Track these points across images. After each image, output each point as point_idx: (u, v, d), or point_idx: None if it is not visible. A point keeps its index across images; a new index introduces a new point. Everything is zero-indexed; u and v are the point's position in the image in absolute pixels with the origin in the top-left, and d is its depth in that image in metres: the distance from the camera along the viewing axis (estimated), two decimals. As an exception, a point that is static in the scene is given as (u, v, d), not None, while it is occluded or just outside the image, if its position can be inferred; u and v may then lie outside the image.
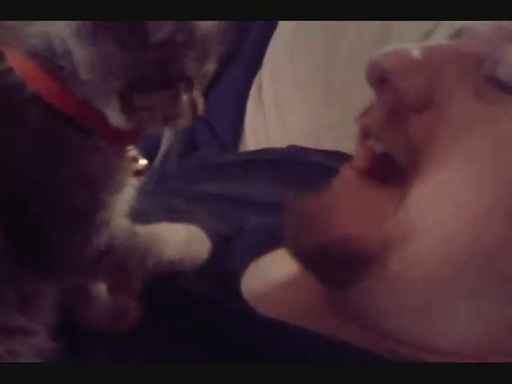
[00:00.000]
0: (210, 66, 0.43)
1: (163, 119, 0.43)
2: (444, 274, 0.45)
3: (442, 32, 0.87)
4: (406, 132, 0.47)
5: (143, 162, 0.47)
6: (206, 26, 0.41)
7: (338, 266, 0.48)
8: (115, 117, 0.42)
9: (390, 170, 0.49)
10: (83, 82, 0.41)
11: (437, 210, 0.45)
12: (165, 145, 0.46)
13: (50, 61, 0.41)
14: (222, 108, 1.15)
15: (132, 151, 0.46)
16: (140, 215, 0.62)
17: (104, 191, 0.43)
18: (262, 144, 1.05)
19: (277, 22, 1.15)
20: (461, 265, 0.45)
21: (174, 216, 0.65)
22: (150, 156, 0.49)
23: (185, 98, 0.42)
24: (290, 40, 1.12)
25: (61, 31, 0.40)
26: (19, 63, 0.41)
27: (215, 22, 0.42)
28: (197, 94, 0.43)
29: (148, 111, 0.42)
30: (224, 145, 1.12)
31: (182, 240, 0.49)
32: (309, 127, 1.06)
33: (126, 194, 0.46)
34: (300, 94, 1.09)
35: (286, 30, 1.14)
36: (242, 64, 1.17)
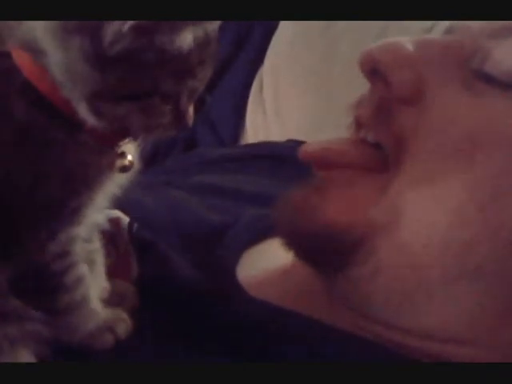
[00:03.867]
0: (196, 84, 0.43)
1: (142, 128, 0.43)
2: (424, 261, 0.46)
3: (438, 33, 0.88)
4: (395, 124, 0.48)
5: (130, 158, 0.46)
6: (183, 45, 0.41)
7: (325, 252, 0.49)
8: (88, 118, 0.42)
9: (380, 159, 0.50)
10: (60, 82, 0.42)
11: (417, 201, 0.46)
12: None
13: (36, 55, 0.42)
14: (223, 106, 1.16)
15: (122, 147, 0.46)
16: (139, 206, 0.63)
17: (84, 186, 0.44)
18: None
19: (278, 22, 1.16)
20: (438, 254, 0.46)
21: (173, 207, 0.66)
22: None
23: (167, 109, 0.43)
24: (289, 40, 1.13)
25: (42, 31, 0.41)
26: (15, 51, 0.42)
27: (187, 41, 0.41)
28: (184, 106, 0.43)
29: (121, 120, 0.42)
30: (224, 142, 1.13)
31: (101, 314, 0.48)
32: (307, 126, 1.07)
33: (108, 190, 0.46)
34: (299, 92, 1.10)
35: (286, 29, 1.15)
36: (244, 62, 1.18)
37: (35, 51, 0.42)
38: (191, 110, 0.44)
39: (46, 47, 0.41)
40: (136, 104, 0.42)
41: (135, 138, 0.46)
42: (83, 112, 0.42)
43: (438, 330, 0.48)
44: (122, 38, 0.39)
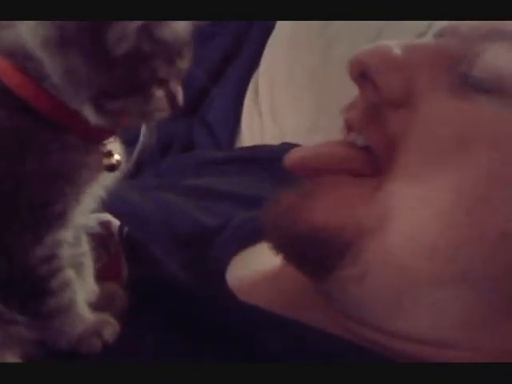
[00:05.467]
0: (183, 63, 0.44)
1: (140, 116, 0.44)
2: (412, 264, 0.46)
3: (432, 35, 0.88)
4: (385, 127, 0.49)
5: (117, 157, 0.46)
6: (171, 30, 0.42)
7: (314, 255, 0.49)
8: (91, 117, 0.43)
9: (369, 163, 0.50)
10: (57, 85, 0.42)
11: (405, 204, 0.46)
12: (141, 142, 0.46)
13: (25, 62, 0.42)
14: (219, 108, 1.16)
15: (108, 145, 0.46)
16: (133, 208, 0.63)
17: (70, 187, 0.44)
18: (258, 143, 1.06)
19: (274, 24, 1.16)
20: (426, 256, 0.46)
21: (166, 209, 0.66)
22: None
23: (160, 92, 0.43)
24: (285, 42, 1.14)
25: (32, 39, 0.41)
26: None
27: (181, 25, 0.42)
28: (174, 87, 0.44)
29: (122, 113, 0.43)
30: (220, 144, 1.13)
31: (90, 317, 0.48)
32: (302, 128, 1.07)
33: (94, 191, 0.46)
34: (294, 94, 1.10)
35: (282, 32, 1.15)
36: (241, 64, 1.18)
37: (25, 59, 0.42)
38: (180, 89, 0.45)
39: (38, 55, 0.41)
40: (138, 95, 0.42)
41: (136, 125, 0.46)
42: (88, 113, 0.42)
43: (425, 332, 0.48)
44: (128, 38, 0.40)
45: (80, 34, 0.40)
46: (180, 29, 0.42)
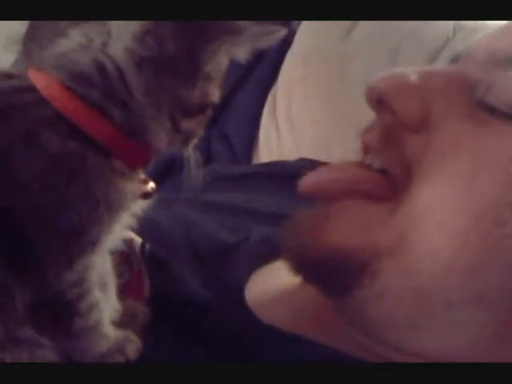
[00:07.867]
0: (220, 91, 0.46)
1: (189, 138, 0.46)
2: (428, 285, 0.47)
3: (446, 55, 0.89)
4: (401, 150, 0.49)
5: (152, 184, 0.47)
6: (223, 61, 0.44)
7: (332, 275, 0.49)
8: (163, 136, 0.44)
9: (385, 185, 0.50)
10: (136, 99, 0.42)
11: (421, 226, 0.47)
12: (191, 161, 0.47)
13: (90, 84, 0.42)
14: (237, 122, 1.17)
15: (142, 173, 0.47)
16: (151, 223, 0.64)
17: (107, 215, 0.44)
18: (275, 158, 1.07)
19: (292, 38, 1.16)
20: (441, 279, 0.46)
21: (185, 224, 0.67)
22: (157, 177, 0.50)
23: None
24: (302, 57, 1.14)
25: (116, 54, 0.42)
26: (43, 82, 0.42)
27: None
28: (209, 111, 0.46)
29: (190, 133, 0.45)
30: (238, 157, 1.14)
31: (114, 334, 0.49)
32: (319, 142, 1.07)
33: (125, 219, 0.46)
34: (311, 109, 1.11)
35: (299, 47, 1.15)
36: (258, 78, 1.18)
37: (97, 76, 0.42)
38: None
39: (119, 70, 0.42)
40: (202, 115, 0.44)
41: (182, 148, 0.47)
42: (160, 127, 0.43)
43: (439, 353, 0.49)
44: (217, 57, 0.42)
45: (178, 53, 0.41)
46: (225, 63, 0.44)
